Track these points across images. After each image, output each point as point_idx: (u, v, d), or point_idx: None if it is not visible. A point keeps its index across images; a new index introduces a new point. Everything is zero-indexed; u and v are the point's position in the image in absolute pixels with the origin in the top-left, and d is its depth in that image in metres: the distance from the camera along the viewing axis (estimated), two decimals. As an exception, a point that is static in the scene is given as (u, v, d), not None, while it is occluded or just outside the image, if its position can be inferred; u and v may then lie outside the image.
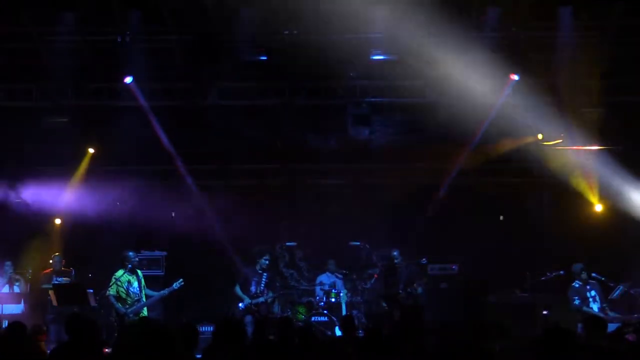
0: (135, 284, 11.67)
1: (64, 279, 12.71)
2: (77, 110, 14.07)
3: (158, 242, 14.60)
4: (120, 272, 11.69)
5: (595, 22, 13.31)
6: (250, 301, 12.39)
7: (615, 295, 12.24)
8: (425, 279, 13.04)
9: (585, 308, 11.96)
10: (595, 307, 12.03)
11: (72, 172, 14.83)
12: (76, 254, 13.74)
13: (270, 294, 12.48)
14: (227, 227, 15.00)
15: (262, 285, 12.46)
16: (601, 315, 11.73)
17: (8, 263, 12.76)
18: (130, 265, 11.71)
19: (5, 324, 11.99)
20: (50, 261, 13.11)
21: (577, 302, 12.01)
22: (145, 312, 11.74)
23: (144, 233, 14.59)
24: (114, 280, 11.61)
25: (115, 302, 11.57)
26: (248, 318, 12.04)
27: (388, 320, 11.89)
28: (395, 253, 12.48)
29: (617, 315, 11.89)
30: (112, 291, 11.58)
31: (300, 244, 15.59)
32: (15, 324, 7.00)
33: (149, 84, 14.02)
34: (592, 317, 10.78)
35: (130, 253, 11.83)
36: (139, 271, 11.93)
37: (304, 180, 15.62)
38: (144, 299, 11.68)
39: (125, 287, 11.60)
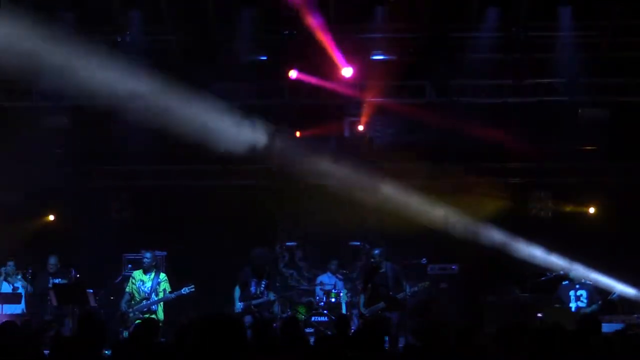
0: (148, 284, 11.78)
1: (61, 279, 12.69)
2: (77, 110, 14.08)
3: (158, 242, 14.58)
4: (137, 271, 12.02)
5: (595, 22, 13.31)
6: (242, 305, 12.35)
7: (614, 296, 12.24)
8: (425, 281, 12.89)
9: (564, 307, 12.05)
10: (573, 306, 12.09)
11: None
12: (71, 253, 13.71)
13: (272, 296, 12.46)
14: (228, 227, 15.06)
15: (263, 286, 12.45)
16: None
17: (10, 263, 12.75)
18: (144, 264, 11.92)
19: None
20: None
21: (564, 299, 12.10)
22: (160, 312, 11.78)
23: (143, 232, 14.58)
24: (131, 278, 11.97)
25: (124, 299, 11.82)
26: (248, 318, 12.02)
27: (386, 321, 11.85)
28: (376, 252, 12.39)
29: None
30: (127, 288, 11.92)
31: (300, 244, 15.60)
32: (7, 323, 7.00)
33: (149, 84, 14.01)
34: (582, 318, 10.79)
35: (147, 254, 11.99)
36: (162, 274, 12.02)
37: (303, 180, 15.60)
38: (153, 299, 11.74)
39: (137, 285, 11.81)
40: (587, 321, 7.64)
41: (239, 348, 4.70)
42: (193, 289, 11.79)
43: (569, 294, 12.24)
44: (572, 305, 12.12)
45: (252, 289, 12.41)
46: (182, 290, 11.74)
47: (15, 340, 6.12)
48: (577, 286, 12.24)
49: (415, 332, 6.47)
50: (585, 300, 12.17)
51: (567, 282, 12.37)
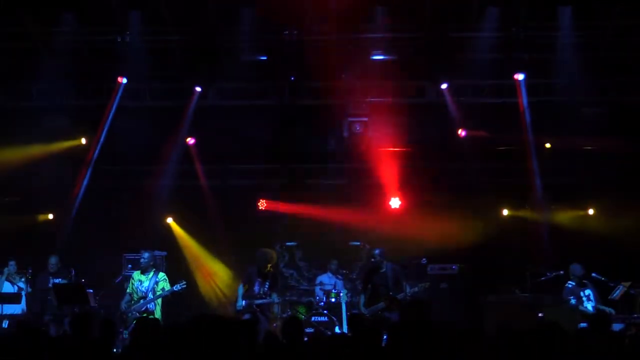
0: (146, 284, 11.85)
1: (61, 279, 12.69)
2: (77, 110, 14.09)
3: (158, 242, 14.60)
4: (137, 271, 12.12)
5: (595, 22, 13.31)
6: (245, 303, 12.38)
7: (615, 295, 12.23)
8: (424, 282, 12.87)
9: (581, 307, 11.98)
10: (589, 306, 12.06)
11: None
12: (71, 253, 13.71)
13: (275, 298, 12.47)
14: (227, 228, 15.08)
15: (267, 286, 12.47)
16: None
17: (12, 262, 12.76)
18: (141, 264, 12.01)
19: (5, 324, 12.03)
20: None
21: (573, 301, 12.05)
22: (158, 312, 11.79)
23: (143, 232, 14.59)
24: (131, 278, 12.10)
25: (125, 299, 11.89)
26: (246, 317, 12.04)
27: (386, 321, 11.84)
28: (376, 252, 12.41)
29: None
30: (128, 289, 12.04)
31: (300, 244, 15.60)
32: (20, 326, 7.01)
33: (149, 84, 14.04)
34: (595, 315, 10.76)
35: (145, 254, 12.07)
36: (161, 274, 12.08)
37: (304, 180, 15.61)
38: (150, 298, 11.78)
39: (135, 285, 11.90)
40: (599, 320, 7.61)
41: (232, 348, 4.71)
42: (185, 286, 11.91)
43: (579, 294, 12.17)
44: (588, 305, 12.08)
45: (256, 288, 12.46)
46: (174, 287, 11.82)
47: (28, 342, 6.12)
48: (582, 286, 12.22)
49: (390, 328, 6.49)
50: (593, 300, 12.15)
51: (571, 283, 12.29)
